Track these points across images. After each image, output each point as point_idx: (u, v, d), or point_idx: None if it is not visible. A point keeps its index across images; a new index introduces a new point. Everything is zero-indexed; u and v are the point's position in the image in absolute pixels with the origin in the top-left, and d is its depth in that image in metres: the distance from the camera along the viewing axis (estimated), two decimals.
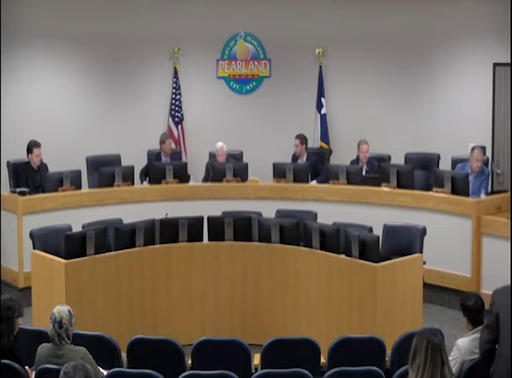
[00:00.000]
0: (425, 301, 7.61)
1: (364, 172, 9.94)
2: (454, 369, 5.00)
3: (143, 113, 11.21)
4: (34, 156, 9.51)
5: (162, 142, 10.37)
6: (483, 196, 8.92)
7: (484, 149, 9.69)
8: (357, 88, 11.34)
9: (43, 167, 9.60)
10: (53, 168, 9.58)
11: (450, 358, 4.94)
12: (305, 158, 10.38)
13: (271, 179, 9.86)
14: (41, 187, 9.40)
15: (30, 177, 9.45)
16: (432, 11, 10.90)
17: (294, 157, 10.46)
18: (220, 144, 10.24)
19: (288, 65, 11.42)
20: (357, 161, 10.19)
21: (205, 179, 10.00)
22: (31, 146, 9.54)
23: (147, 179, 9.97)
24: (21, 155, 9.74)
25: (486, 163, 9.76)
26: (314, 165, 10.23)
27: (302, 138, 10.40)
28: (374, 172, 9.80)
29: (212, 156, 10.51)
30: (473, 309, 5.31)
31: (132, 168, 9.65)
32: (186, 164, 10.11)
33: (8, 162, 9.76)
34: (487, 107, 10.84)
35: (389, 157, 10.41)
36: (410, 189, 9.15)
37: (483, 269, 8.39)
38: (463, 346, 5.27)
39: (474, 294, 5.45)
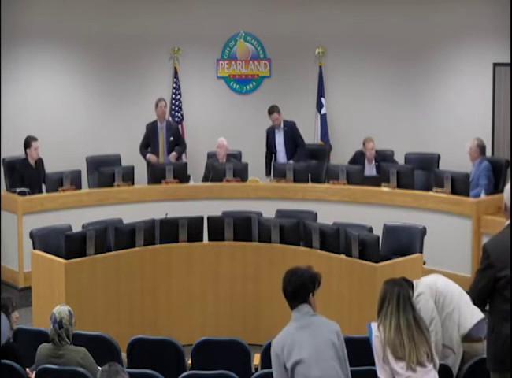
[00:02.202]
0: None
1: (375, 169, 9.94)
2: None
3: (143, 112, 11.17)
4: (32, 149, 9.46)
5: (156, 105, 10.44)
6: (483, 196, 8.92)
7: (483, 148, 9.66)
8: (357, 88, 11.33)
9: (40, 163, 9.55)
10: (53, 168, 9.57)
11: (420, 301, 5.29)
12: (282, 125, 10.40)
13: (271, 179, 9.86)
14: (38, 184, 9.36)
15: (27, 175, 9.40)
16: (432, 11, 10.89)
17: (272, 130, 10.45)
18: (221, 139, 10.17)
19: (288, 65, 11.42)
20: (362, 154, 10.15)
21: (205, 179, 9.99)
22: (29, 141, 9.49)
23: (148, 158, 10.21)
24: (20, 155, 9.74)
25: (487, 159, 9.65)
26: (293, 135, 10.29)
27: (277, 108, 10.41)
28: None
29: (212, 156, 10.50)
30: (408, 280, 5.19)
31: (132, 168, 9.65)
32: (186, 164, 10.10)
33: (3, 160, 9.75)
34: (487, 107, 10.81)
35: (392, 153, 10.38)
36: (410, 189, 9.15)
37: None
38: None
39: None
